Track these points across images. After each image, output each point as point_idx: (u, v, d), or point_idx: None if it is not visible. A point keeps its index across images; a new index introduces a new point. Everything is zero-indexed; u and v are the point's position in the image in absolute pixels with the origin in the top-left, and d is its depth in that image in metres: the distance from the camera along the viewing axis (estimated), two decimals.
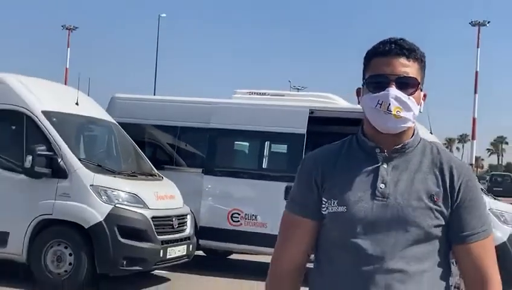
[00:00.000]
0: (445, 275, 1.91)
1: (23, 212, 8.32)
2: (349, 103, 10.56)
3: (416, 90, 1.92)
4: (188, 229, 9.19)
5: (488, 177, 61.63)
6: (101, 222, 8.11)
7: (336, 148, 2.04)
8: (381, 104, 1.87)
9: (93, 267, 8.14)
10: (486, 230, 1.92)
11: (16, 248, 8.33)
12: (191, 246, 9.16)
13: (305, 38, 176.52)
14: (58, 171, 8.31)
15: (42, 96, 9.03)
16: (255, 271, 9.94)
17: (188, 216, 9.28)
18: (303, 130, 9.81)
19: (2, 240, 8.37)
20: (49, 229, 8.30)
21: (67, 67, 49.63)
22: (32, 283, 8.16)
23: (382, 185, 1.89)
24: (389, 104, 1.85)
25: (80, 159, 8.56)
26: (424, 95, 1.98)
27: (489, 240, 1.93)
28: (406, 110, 1.87)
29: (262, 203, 9.94)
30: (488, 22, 46.48)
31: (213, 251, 10.88)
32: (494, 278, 1.90)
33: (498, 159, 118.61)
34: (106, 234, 8.08)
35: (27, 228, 8.25)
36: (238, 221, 10.04)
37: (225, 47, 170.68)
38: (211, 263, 10.58)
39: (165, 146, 10.96)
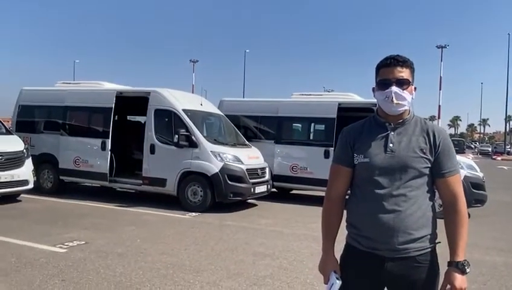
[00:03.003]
0: (431, 197, 1.88)
1: (174, 167, 8.52)
2: (362, 98, 10.31)
3: (408, 86, 1.88)
4: (267, 176, 9.19)
5: None
6: (217, 172, 8.24)
7: (361, 124, 2.00)
8: (387, 97, 1.86)
9: (214, 198, 8.31)
10: (456, 169, 1.89)
11: (171, 187, 8.60)
12: (269, 185, 9.16)
13: (334, 57, 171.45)
14: (192, 144, 8.43)
15: (182, 100, 9.15)
16: (306, 200, 10.04)
17: (267, 168, 9.28)
18: (334, 115, 9.59)
19: (163, 183, 8.67)
20: (189, 177, 8.47)
21: (193, 84, 50.27)
22: (179, 207, 8.39)
23: (391, 145, 1.86)
24: (392, 97, 1.84)
25: (204, 136, 8.64)
26: (415, 88, 1.92)
27: (458, 176, 1.89)
28: (402, 100, 1.86)
29: (310, 160, 9.81)
30: (448, 45, 44.26)
31: (281, 189, 10.81)
32: (460, 196, 1.87)
33: (454, 130, 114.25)
34: (220, 179, 8.22)
35: (176, 176, 8.50)
36: (296, 171, 9.97)
37: (283, 65, 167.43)
38: (280, 195, 10.59)
39: (252, 128, 10.86)
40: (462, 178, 8.91)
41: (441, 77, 42.88)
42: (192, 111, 9.00)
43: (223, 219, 7.59)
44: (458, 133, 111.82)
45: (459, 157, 9.52)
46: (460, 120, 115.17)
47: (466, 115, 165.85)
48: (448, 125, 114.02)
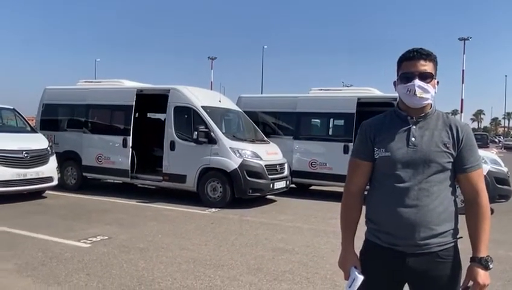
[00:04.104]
0: (453, 192, 1.85)
1: (194, 163, 8.59)
2: (382, 92, 10.17)
3: (432, 80, 1.84)
4: (286, 172, 9.16)
5: None
6: (236, 168, 8.27)
7: (381, 117, 1.97)
8: (410, 90, 1.82)
9: (233, 194, 8.35)
10: (478, 164, 1.86)
11: (191, 183, 8.68)
12: (287, 181, 9.14)
13: (353, 52, 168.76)
14: (211, 140, 8.48)
15: (200, 97, 9.19)
16: (325, 196, 9.99)
17: (286, 164, 9.24)
18: (353, 110, 9.50)
19: (183, 179, 8.76)
20: (208, 173, 8.53)
21: (212, 80, 50.34)
22: (199, 202, 8.46)
23: (413, 139, 1.83)
24: (415, 90, 1.81)
25: (223, 133, 8.68)
26: (437, 82, 1.88)
27: (480, 170, 1.86)
28: (426, 93, 1.82)
29: (329, 156, 9.75)
30: (470, 38, 42.92)
31: (300, 184, 10.78)
32: (482, 191, 1.84)
33: (478, 124, 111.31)
34: (239, 175, 8.25)
35: (196, 172, 8.57)
36: (315, 166, 9.92)
37: (301, 60, 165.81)
38: (299, 191, 10.58)
39: (270, 124, 10.83)
40: (485, 173, 8.70)
41: (463, 70, 41.84)
42: (211, 108, 9.05)
43: (242, 215, 7.63)
44: (482, 127, 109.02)
45: (483, 151, 9.34)
46: (483, 114, 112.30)
47: (490, 108, 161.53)
48: (472, 119, 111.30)
